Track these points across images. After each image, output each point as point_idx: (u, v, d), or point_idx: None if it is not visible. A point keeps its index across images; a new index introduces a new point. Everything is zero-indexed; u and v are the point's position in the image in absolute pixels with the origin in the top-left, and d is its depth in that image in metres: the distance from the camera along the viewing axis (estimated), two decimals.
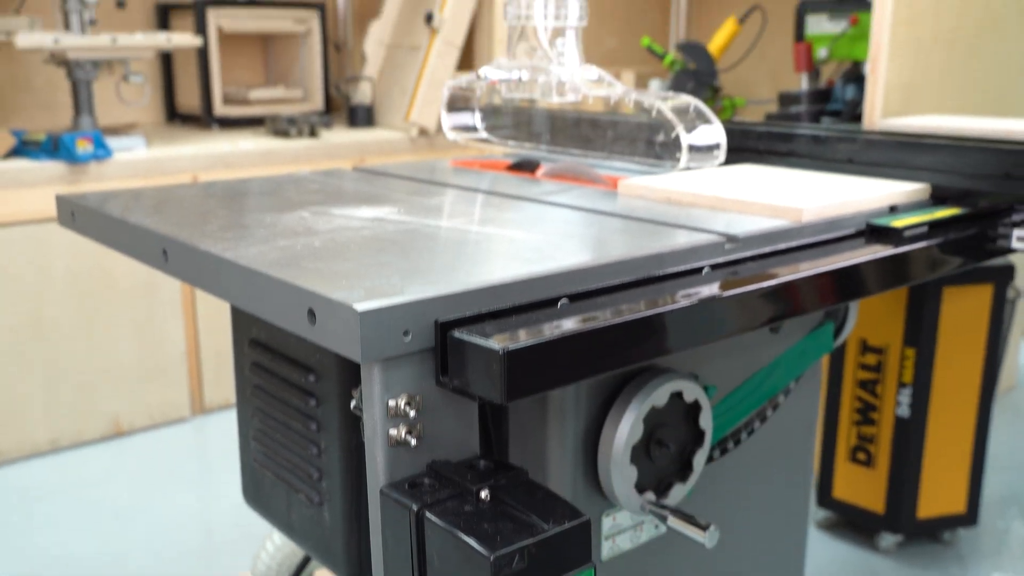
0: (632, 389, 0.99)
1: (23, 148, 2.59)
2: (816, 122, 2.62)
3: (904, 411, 2.06)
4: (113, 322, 2.67)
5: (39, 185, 2.50)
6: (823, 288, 1.04)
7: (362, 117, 3.25)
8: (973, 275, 2.06)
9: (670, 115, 1.29)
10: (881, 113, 2.08)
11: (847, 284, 1.07)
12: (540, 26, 1.40)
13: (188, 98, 3.31)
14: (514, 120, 1.62)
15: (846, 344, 2.13)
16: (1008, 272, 2.08)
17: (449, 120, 1.61)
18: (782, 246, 1.09)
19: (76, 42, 2.59)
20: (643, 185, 1.26)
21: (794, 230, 1.11)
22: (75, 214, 1.24)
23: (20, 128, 2.91)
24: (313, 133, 2.96)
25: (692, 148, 1.29)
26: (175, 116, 3.40)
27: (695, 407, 1.04)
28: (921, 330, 2.04)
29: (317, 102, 3.41)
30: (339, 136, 3.04)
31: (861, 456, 2.14)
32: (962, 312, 2.07)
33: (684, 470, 1.06)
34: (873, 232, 1.19)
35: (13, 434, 2.60)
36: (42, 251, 2.53)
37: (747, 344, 1.17)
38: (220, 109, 3.17)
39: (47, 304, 2.57)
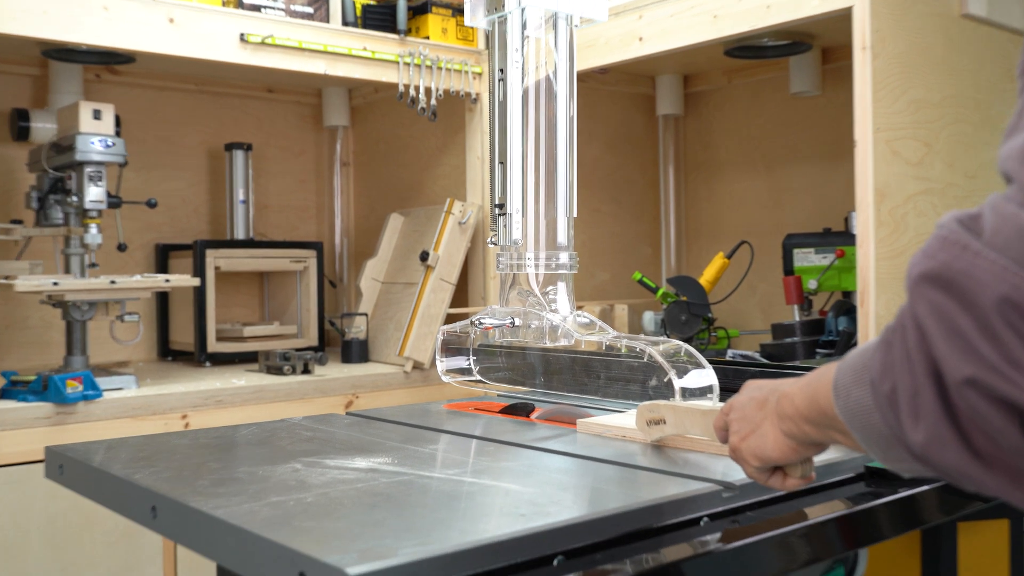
0: None
1: (11, 389, 2.64)
2: (811, 355, 2.69)
3: None
4: (90, 572, 2.60)
5: (24, 426, 2.52)
6: (828, 537, 1.05)
7: (356, 352, 3.32)
8: (988, 510, 2.05)
9: (661, 359, 1.34)
10: None
11: (852, 531, 1.08)
12: (532, 274, 1.48)
13: (182, 335, 3.40)
14: (508, 363, 1.68)
15: None
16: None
17: (443, 364, 1.66)
18: (781, 492, 1.11)
19: (74, 285, 2.70)
20: (604, 424, 1.31)
21: None
22: (64, 467, 1.26)
23: (11, 368, 2.97)
24: (307, 369, 3.02)
25: (685, 391, 1.33)
26: (168, 353, 3.48)
27: None
28: (939, 573, 2.00)
29: (312, 337, 3.50)
30: (333, 371, 3.10)
31: None
32: (981, 549, 2.04)
33: None
34: (873, 475, 1.21)
35: None
36: (20, 495, 2.52)
37: None
38: (213, 346, 3.25)
39: (23, 552, 2.52)
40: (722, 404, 1.04)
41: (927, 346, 0.67)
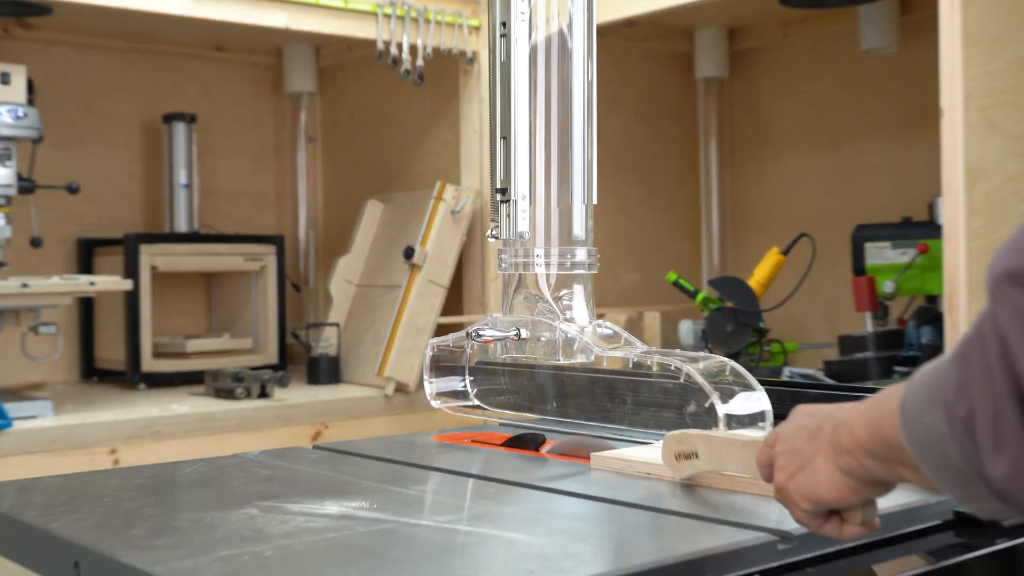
0: None
1: None
2: (887, 374, 2.69)
3: None
4: None
5: None
6: None
7: (326, 371, 3.33)
8: None
9: (701, 380, 1.35)
10: None
11: None
12: (541, 275, 1.48)
13: (110, 351, 3.41)
14: (512, 384, 1.68)
15: None
16: None
17: (433, 385, 1.67)
18: (848, 544, 1.11)
19: None
20: (624, 459, 1.31)
21: None
22: None
23: None
24: (264, 392, 3.03)
25: (731, 419, 1.33)
26: (93, 373, 3.49)
27: None
28: None
29: (270, 353, 3.51)
30: (297, 395, 3.10)
31: None
32: None
33: None
34: (964, 522, 1.21)
35: None
36: None
37: None
38: (149, 364, 3.26)
39: None
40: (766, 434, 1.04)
41: (1011, 360, 0.67)
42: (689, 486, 1.26)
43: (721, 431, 1.30)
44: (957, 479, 0.74)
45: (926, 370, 0.79)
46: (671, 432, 1.27)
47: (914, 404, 0.78)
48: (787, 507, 0.97)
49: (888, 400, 0.84)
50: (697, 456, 1.23)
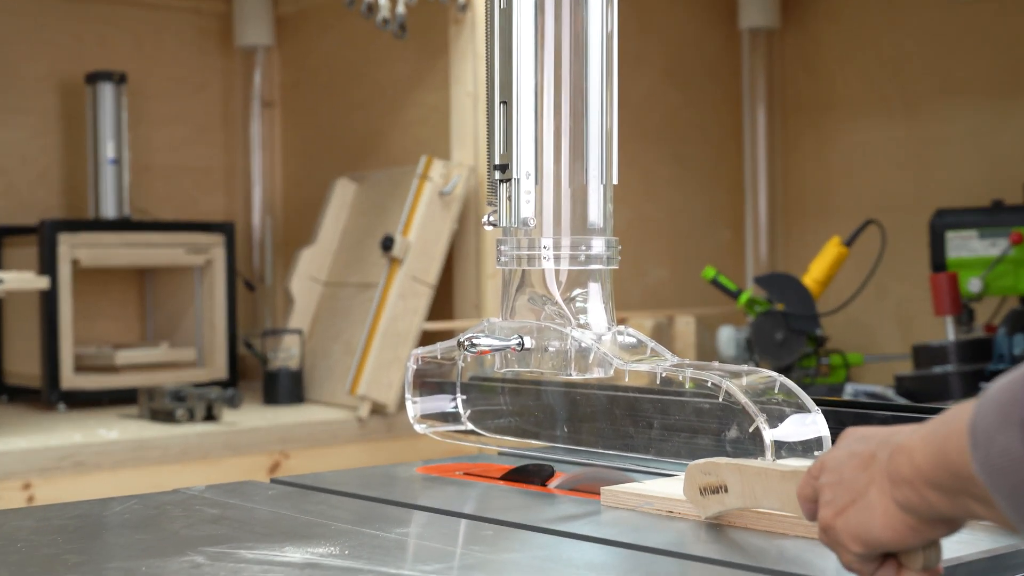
0: None
1: None
2: (973, 390, 2.70)
3: None
4: None
5: None
6: None
7: (286, 388, 3.34)
8: None
9: (744, 399, 1.36)
10: None
11: None
12: (549, 270, 1.49)
13: (22, 363, 3.42)
14: (514, 404, 1.69)
15: None
16: None
17: (417, 405, 1.68)
18: None
19: None
20: (641, 494, 1.32)
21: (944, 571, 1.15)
22: None
23: None
24: (211, 415, 3.04)
25: (780, 447, 1.35)
26: (2, 391, 3.50)
27: None
28: None
29: (219, 367, 3.52)
30: (250, 418, 3.12)
31: None
32: None
33: None
34: None
35: None
36: None
37: None
38: (70, 380, 3.27)
39: None
40: (810, 463, 1.05)
41: None
42: (718, 526, 1.27)
43: (763, 461, 1.31)
44: None
45: (1002, 384, 0.80)
46: (696, 461, 1.27)
47: (986, 424, 0.79)
48: (834, 550, 0.98)
49: (956, 420, 0.85)
50: (727, 490, 1.23)
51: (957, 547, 1.18)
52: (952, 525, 0.92)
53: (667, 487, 1.37)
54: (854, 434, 1.00)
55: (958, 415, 0.84)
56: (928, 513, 0.90)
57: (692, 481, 1.27)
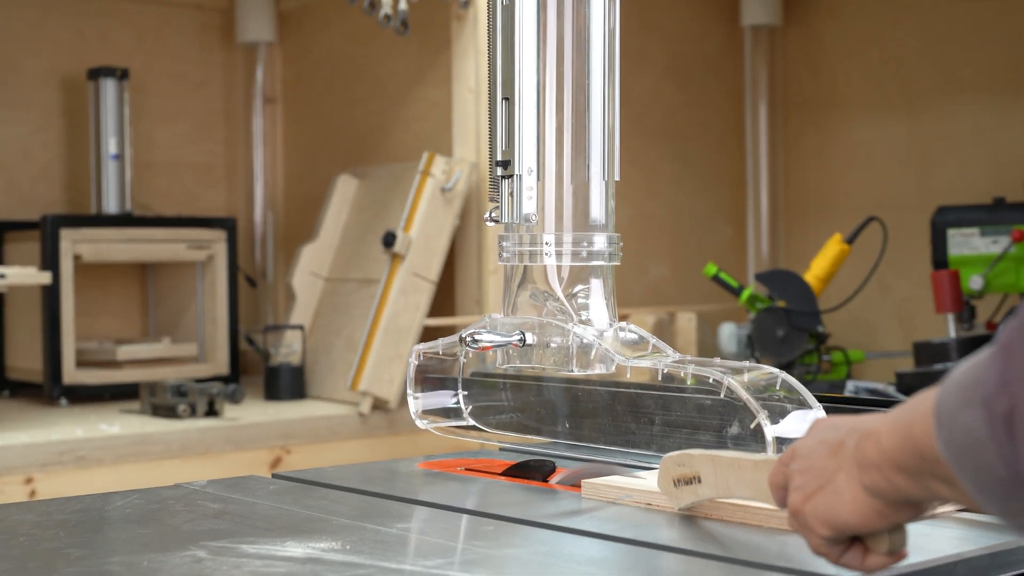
0: None
1: None
2: None
3: None
4: None
5: None
6: None
7: (288, 384, 3.34)
8: None
9: (746, 395, 1.36)
10: None
11: None
12: (551, 266, 1.50)
13: (24, 358, 3.42)
14: (515, 400, 1.69)
15: None
16: None
17: (419, 401, 1.68)
18: None
19: None
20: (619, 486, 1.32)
21: (943, 567, 1.14)
22: None
23: None
24: (212, 410, 3.04)
25: (781, 442, 1.35)
26: (4, 386, 3.50)
27: None
28: None
29: (220, 362, 3.52)
30: (252, 413, 3.12)
31: None
32: None
33: None
34: None
35: None
36: None
37: None
38: (72, 375, 3.27)
39: None
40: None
41: None
42: (721, 522, 1.26)
43: (724, 451, 1.31)
44: (997, 490, 0.76)
45: (965, 366, 0.81)
46: (671, 454, 1.27)
47: (949, 405, 0.80)
48: (802, 534, 0.99)
49: (921, 404, 0.85)
50: (700, 481, 1.23)
51: (958, 543, 1.19)
52: (918, 509, 0.93)
53: (647, 480, 1.37)
54: (824, 423, 1.01)
55: (924, 399, 0.85)
56: (895, 497, 0.91)
57: (666, 473, 1.28)
